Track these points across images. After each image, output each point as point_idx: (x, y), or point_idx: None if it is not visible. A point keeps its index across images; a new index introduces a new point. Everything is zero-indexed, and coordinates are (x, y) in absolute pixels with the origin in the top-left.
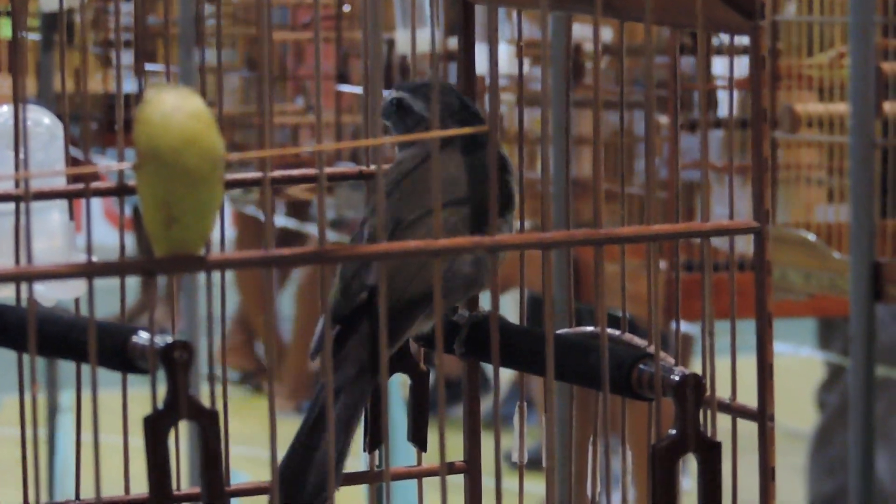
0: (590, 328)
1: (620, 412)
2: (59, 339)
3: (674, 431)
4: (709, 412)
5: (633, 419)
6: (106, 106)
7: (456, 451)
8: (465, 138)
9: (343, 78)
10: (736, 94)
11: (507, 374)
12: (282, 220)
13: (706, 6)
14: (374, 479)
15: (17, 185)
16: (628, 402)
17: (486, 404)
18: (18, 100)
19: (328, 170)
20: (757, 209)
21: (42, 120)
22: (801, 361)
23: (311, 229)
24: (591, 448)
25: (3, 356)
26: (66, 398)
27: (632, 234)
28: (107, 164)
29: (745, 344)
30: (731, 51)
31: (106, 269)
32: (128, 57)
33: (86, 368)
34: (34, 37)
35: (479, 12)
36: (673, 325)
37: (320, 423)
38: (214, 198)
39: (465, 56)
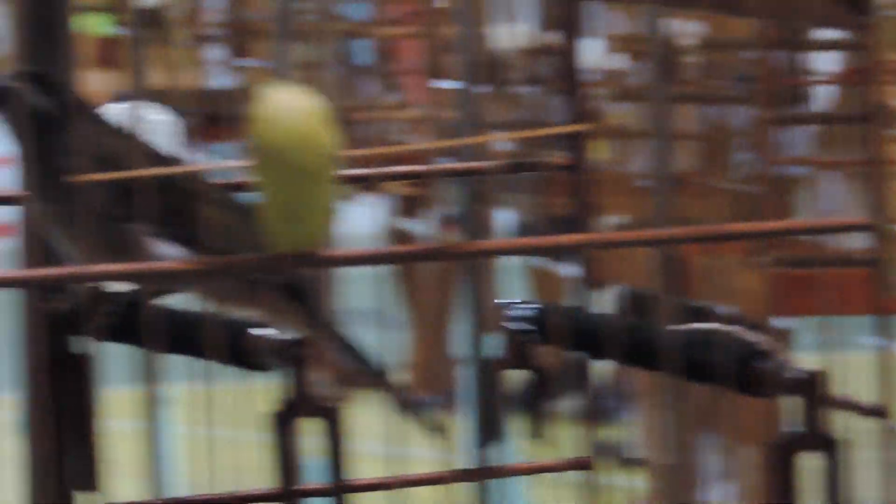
0: (704, 324)
1: (729, 408)
2: (182, 335)
3: (793, 428)
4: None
5: (737, 416)
6: (200, 100)
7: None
8: None
9: (436, 73)
10: (831, 88)
11: (606, 369)
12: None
13: (818, 2)
14: (492, 474)
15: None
16: (727, 399)
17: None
18: (138, 96)
19: (438, 167)
20: (872, 206)
21: (160, 117)
22: None
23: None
24: (703, 445)
25: (106, 349)
26: (172, 390)
27: (747, 231)
28: (223, 161)
29: (850, 340)
30: (853, 46)
31: (228, 267)
32: (220, 52)
33: (189, 362)
34: (129, 32)
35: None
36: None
37: None
38: (330, 195)
39: (569, 52)
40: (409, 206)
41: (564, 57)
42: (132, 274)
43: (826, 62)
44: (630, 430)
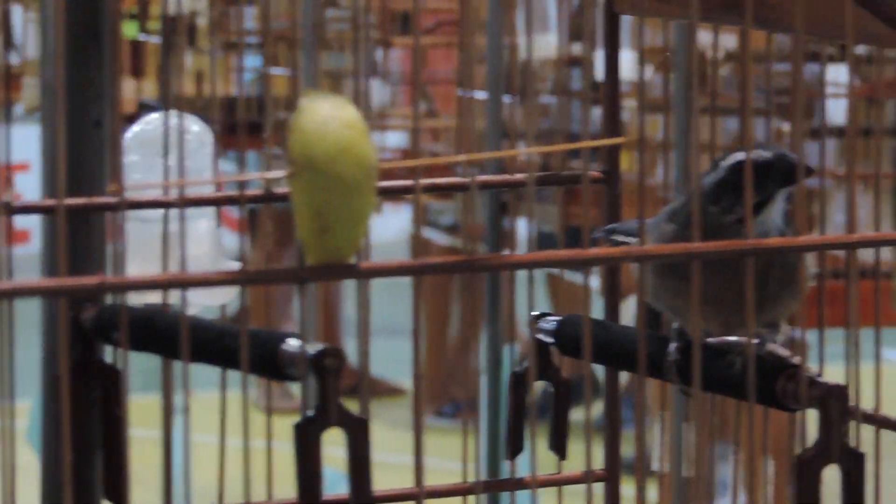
0: (733, 338)
1: (760, 421)
2: (210, 345)
3: (818, 442)
4: (853, 423)
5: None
6: (227, 109)
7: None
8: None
9: (466, 83)
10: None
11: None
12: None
13: (856, 18)
14: (517, 486)
15: (165, 192)
16: (745, 410)
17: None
18: (169, 107)
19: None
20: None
21: (191, 127)
22: None
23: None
24: (730, 456)
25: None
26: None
27: (779, 245)
28: (259, 172)
29: (867, 352)
30: (878, 59)
31: (259, 277)
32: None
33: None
34: (156, 39)
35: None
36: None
37: None
38: (367, 206)
39: (610, 65)
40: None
41: (607, 70)
42: (164, 283)
43: (844, 75)
44: (646, 442)
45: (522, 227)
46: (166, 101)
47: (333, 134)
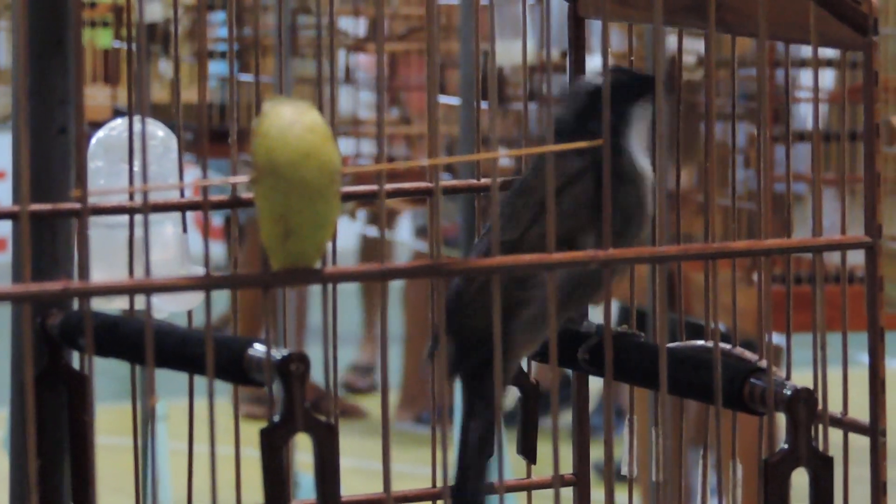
0: (700, 342)
1: (729, 425)
2: (175, 350)
3: (786, 446)
4: (821, 427)
5: (731, 432)
6: (201, 115)
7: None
8: (593, 152)
9: (439, 88)
10: (826, 106)
11: (597, 383)
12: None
13: (819, 22)
14: (486, 491)
15: (131, 197)
16: (726, 414)
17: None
18: (133, 112)
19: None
20: (869, 224)
21: (156, 132)
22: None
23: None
24: (699, 461)
25: (98, 364)
26: (161, 406)
27: (745, 249)
28: (223, 177)
29: (848, 357)
30: (843, 64)
31: (223, 283)
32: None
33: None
34: (134, 47)
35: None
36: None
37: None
38: (331, 211)
39: (577, 69)
40: (391, 219)
41: (571, 75)
42: (128, 289)
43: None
44: (617, 445)
45: None
46: (130, 107)
47: (296, 139)
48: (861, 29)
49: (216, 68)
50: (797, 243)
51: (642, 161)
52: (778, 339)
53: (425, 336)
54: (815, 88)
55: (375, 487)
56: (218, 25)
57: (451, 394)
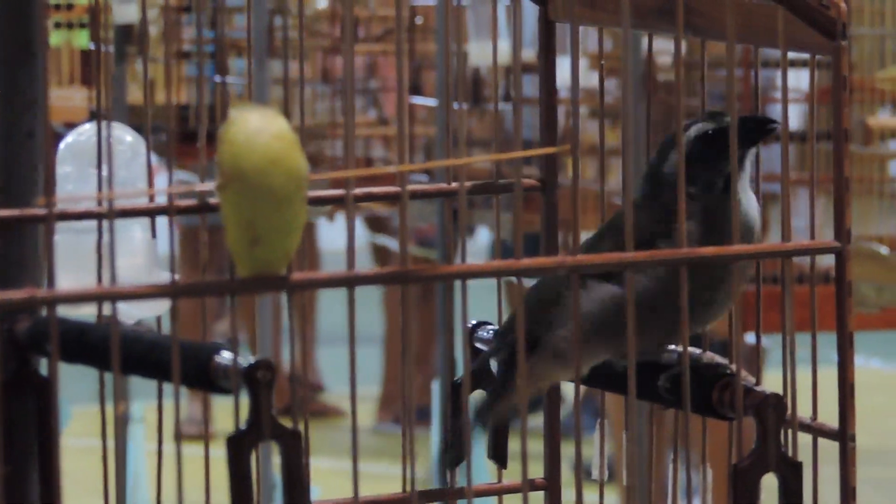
0: (671, 346)
1: (694, 429)
2: (141, 357)
3: (755, 451)
4: (790, 432)
5: (711, 435)
6: (179, 117)
7: (533, 464)
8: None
9: (416, 90)
10: (804, 107)
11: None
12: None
13: (788, 26)
14: (455, 496)
15: (99, 203)
16: (708, 419)
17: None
18: (101, 117)
19: (410, 187)
20: (838, 229)
21: (124, 137)
22: (870, 374)
23: (388, 242)
24: (670, 463)
25: (73, 366)
26: (137, 409)
27: (714, 254)
28: (190, 182)
29: (821, 357)
30: (813, 67)
31: (189, 290)
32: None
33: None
34: (108, 48)
35: (559, 27)
36: (746, 339)
37: None
38: (298, 217)
39: (547, 72)
40: (385, 223)
41: (541, 77)
42: (95, 296)
43: (798, 81)
44: (600, 448)
45: (484, 235)
46: (98, 112)
47: (263, 145)
48: (829, 33)
49: (195, 70)
50: (766, 248)
51: (752, 211)
52: (755, 339)
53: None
54: (784, 92)
55: (361, 489)
56: (190, 28)
57: (428, 395)
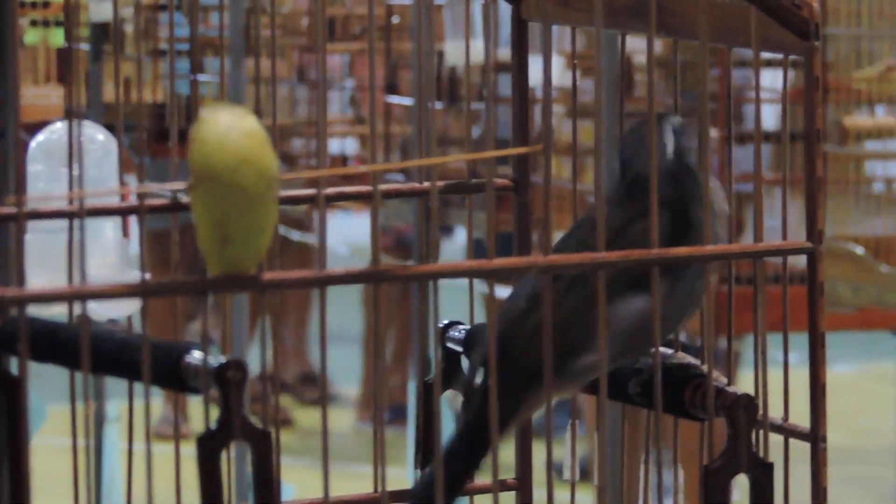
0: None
1: (670, 429)
2: (112, 357)
3: (726, 452)
4: (761, 433)
5: (684, 435)
6: (154, 115)
7: (504, 465)
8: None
9: (392, 89)
10: (780, 106)
11: None
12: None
13: (761, 26)
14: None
15: (70, 202)
16: (680, 420)
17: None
18: (73, 116)
19: (382, 187)
20: (810, 229)
21: (96, 136)
22: (847, 373)
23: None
24: (642, 464)
25: (51, 366)
26: (114, 408)
27: (685, 255)
28: (162, 182)
29: (792, 356)
30: (786, 67)
31: (160, 289)
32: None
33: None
34: (84, 47)
35: (532, 26)
36: (721, 340)
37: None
38: (269, 217)
39: (520, 71)
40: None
41: (514, 76)
42: (65, 296)
43: (775, 80)
44: (578, 448)
45: (462, 235)
46: (70, 111)
47: (233, 144)
48: (802, 34)
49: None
50: (738, 249)
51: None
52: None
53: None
54: (757, 92)
55: (342, 488)
56: (168, 26)
57: (406, 394)
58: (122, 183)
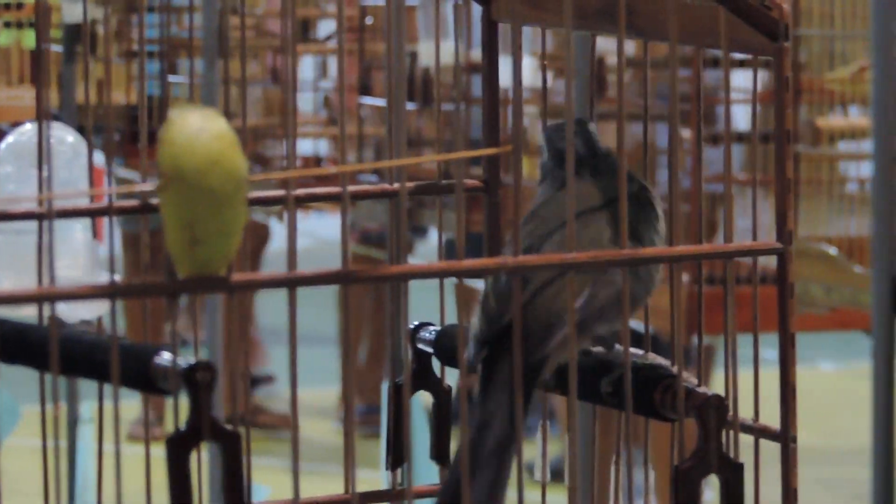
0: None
1: (643, 429)
2: (81, 358)
3: (696, 452)
4: (731, 433)
5: (656, 435)
6: (128, 117)
7: None
8: (592, 167)
9: (366, 90)
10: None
11: None
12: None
13: (730, 27)
14: (397, 497)
15: (39, 203)
16: (651, 420)
17: None
18: (42, 118)
19: (351, 188)
20: (780, 230)
21: (65, 138)
22: (820, 374)
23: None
24: (613, 464)
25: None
26: (87, 409)
27: (655, 255)
28: (130, 183)
29: (766, 357)
30: (755, 68)
31: (128, 291)
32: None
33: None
34: (56, 48)
35: (504, 27)
36: (694, 340)
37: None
38: (238, 218)
39: (490, 72)
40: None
41: (484, 77)
42: (33, 297)
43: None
44: (550, 445)
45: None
46: (39, 112)
47: (203, 146)
48: (772, 34)
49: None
50: (708, 249)
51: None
52: (707, 339)
53: (357, 338)
54: (727, 93)
55: (318, 489)
56: (146, 26)
57: (378, 395)
58: (92, 184)
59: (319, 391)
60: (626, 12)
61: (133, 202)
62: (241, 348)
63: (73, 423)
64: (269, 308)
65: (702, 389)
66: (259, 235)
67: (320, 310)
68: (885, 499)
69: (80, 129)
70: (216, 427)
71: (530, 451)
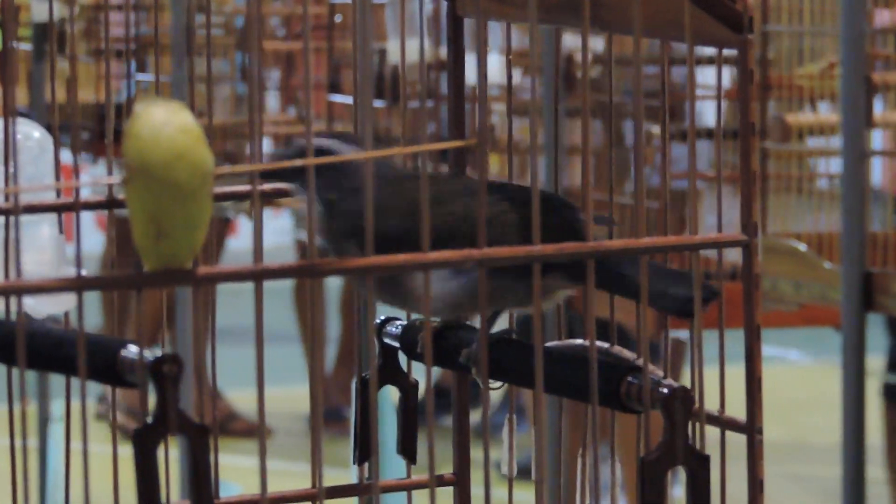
0: (580, 340)
1: (610, 423)
2: (48, 352)
3: (663, 444)
4: (697, 425)
5: (623, 429)
6: (97, 115)
7: (446, 461)
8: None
9: (335, 88)
10: (724, 103)
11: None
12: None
13: (695, 20)
14: (364, 491)
15: (6, 198)
16: (618, 413)
17: (475, 415)
18: (8, 113)
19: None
20: (745, 222)
21: (32, 133)
22: (790, 370)
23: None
24: (580, 459)
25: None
26: (58, 408)
27: (621, 248)
28: (96, 177)
29: (735, 353)
30: (720, 62)
31: (95, 284)
32: (118, 67)
33: (76, 379)
34: (25, 47)
35: (471, 24)
36: (663, 335)
37: None
38: (204, 212)
39: (455, 68)
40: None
41: (450, 73)
42: (2, 290)
43: (726, 78)
44: (519, 443)
45: None
46: (5, 108)
47: (168, 139)
48: (736, 27)
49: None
50: (674, 241)
51: None
52: (677, 334)
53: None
54: (691, 88)
55: (289, 485)
56: (114, 25)
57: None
58: (58, 180)
59: (292, 391)
60: (591, 4)
61: (100, 197)
62: (207, 341)
63: (43, 421)
64: (235, 308)
65: (668, 381)
66: (217, 231)
67: (290, 311)
68: (855, 495)
69: (49, 128)
70: (183, 419)
71: (498, 449)
